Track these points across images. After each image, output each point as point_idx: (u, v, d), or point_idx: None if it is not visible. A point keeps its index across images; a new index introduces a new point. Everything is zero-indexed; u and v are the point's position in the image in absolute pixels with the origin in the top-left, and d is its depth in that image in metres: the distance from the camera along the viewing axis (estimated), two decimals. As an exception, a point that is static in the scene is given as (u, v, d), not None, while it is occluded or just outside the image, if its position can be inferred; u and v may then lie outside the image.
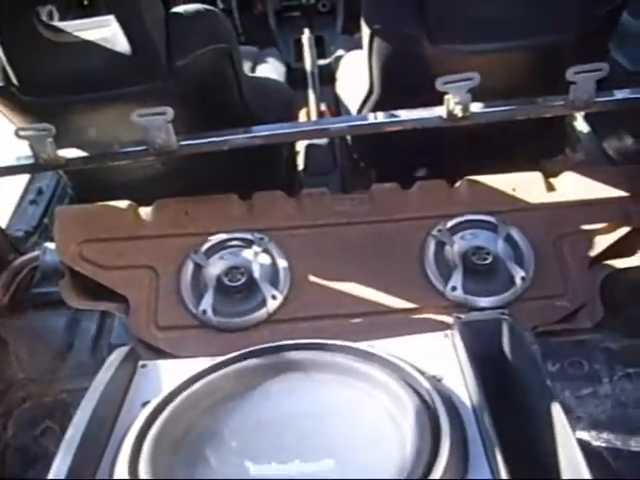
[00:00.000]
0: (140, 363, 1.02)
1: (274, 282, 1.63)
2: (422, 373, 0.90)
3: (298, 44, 2.86)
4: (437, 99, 1.47)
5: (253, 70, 2.42)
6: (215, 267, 1.65)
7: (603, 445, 1.37)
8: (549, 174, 1.78)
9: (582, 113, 2.26)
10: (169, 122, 1.44)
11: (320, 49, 2.85)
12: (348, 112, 2.08)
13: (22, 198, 2.34)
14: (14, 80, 1.53)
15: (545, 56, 1.64)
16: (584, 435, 1.39)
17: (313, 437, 0.84)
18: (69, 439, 0.81)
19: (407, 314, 1.59)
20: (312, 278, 1.64)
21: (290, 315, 1.60)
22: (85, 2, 1.82)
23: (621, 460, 1.35)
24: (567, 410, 1.03)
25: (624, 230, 1.64)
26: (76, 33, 1.50)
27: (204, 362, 0.96)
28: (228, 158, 1.61)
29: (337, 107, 2.33)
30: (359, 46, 1.88)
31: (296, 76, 2.63)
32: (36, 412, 1.56)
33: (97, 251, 1.67)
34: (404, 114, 1.57)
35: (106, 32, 1.50)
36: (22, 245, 2.10)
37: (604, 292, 1.60)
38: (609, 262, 1.63)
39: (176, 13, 1.60)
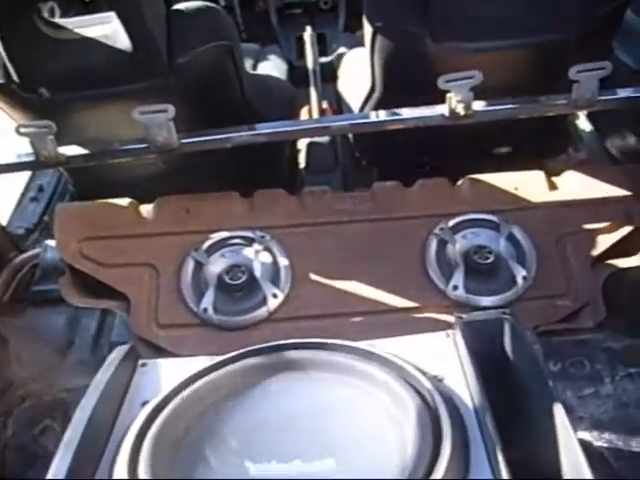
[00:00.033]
0: (140, 362, 1.01)
1: (275, 280, 1.63)
2: (423, 373, 0.89)
3: (300, 41, 2.85)
4: (439, 97, 1.47)
5: (255, 68, 2.42)
6: (216, 265, 1.65)
7: (605, 445, 1.37)
8: (551, 173, 1.78)
9: (585, 112, 2.25)
10: (170, 120, 1.43)
11: (322, 47, 2.84)
12: (350, 110, 2.08)
13: (23, 195, 2.34)
14: (15, 77, 1.53)
15: (548, 54, 1.63)
16: (586, 435, 1.38)
17: (313, 437, 0.84)
18: (68, 439, 0.81)
19: (408, 313, 1.58)
20: (313, 277, 1.64)
21: (291, 314, 1.59)
22: (86, -1, 1.82)
23: (622, 460, 1.34)
24: (569, 410, 1.02)
25: (627, 229, 1.64)
26: (77, 30, 1.50)
27: (204, 361, 0.95)
28: (229, 156, 1.61)
29: (339, 105, 2.33)
30: (361, 44, 1.88)
31: (298, 74, 2.62)
32: (36, 411, 1.56)
33: (98, 249, 1.66)
34: (406, 112, 1.57)
35: (107, 29, 1.50)
36: (23, 242, 2.10)
37: (606, 292, 1.59)
38: (612, 261, 1.63)
39: (177, 10, 1.59)
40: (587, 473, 0.74)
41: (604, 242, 1.64)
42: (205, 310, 1.59)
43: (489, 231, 1.67)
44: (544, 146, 2.03)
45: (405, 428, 0.81)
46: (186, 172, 1.80)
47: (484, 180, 1.75)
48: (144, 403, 0.91)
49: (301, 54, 2.80)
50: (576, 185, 1.74)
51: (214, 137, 1.56)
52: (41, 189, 2.36)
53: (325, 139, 2.39)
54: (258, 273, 1.63)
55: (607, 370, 1.52)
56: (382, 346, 0.95)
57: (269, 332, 1.57)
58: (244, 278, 1.60)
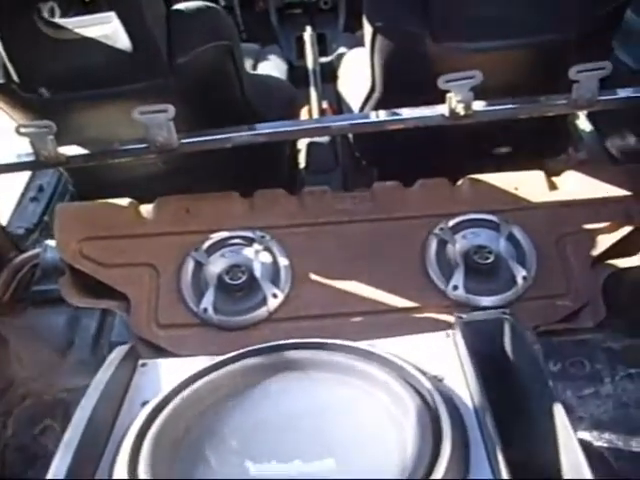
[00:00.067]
0: (140, 362, 1.01)
1: (275, 280, 1.63)
2: (423, 373, 0.89)
3: (300, 41, 2.85)
4: (439, 97, 1.46)
5: (255, 68, 2.42)
6: (216, 265, 1.64)
7: (605, 446, 1.36)
8: (551, 173, 1.78)
9: (585, 112, 2.25)
10: (170, 120, 1.43)
11: (322, 47, 2.84)
12: (350, 110, 2.08)
13: (23, 195, 2.34)
14: (15, 77, 1.53)
15: (548, 54, 1.63)
16: (585, 435, 1.38)
17: (313, 437, 0.84)
18: (68, 439, 0.81)
19: (408, 313, 1.58)
20: (313, 277, 1.64)
21: (291, 314, 1.59)
22: (86, -1, 1.82)
23: (622, 461, 1.34)
24: (569, 410, 1.02)
25: (627, 229, 1.64)
26: (77, 30, 1.50)
27: (204, 361, 0.95)
28: (229, 156, 1.61)
29: (339, 105, 2.33)
30: (361, 44, 1.88)
31: (298, 74, 2.62)
32: (36, 410, 1.56)
33: (98, 249, 1.66)
34: (406, 112, 1.57)
35: (107, 29, 1.50)
36: (23, 242, 2.10)
37: (606, 292, 1.59)
38: (612, 262, 1.63)
39: (177, 10, 1.59)
40: (587, 473, 0.74)
41: (604, 242, 1.64)
42: (205, 310, 1.59)
43: (489, 231, 1.66)
44: (544, 146, 2.03)
45: (405, 428, 0.81)
46: (186, 172, 1.80)
47: (484, 180, 1.75)
48: (144, 403, 0.91)
49: (301, 54, 2.80)
50: (576, 185, 1.74)
51: (214, 137, 1.56)
52: (41, 189, 2.36)
53: (325, 139, 2.39)
54: (258, 273, 1.63)
55: (607, 370, 1.52)
56: (382, 346, 0.95)
57: (269, 332, 1.57)
58: (244, 278, 1.60)
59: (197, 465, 0.81)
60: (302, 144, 2.39)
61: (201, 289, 1.62)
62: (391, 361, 0.91)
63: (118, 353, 0.99)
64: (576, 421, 1.41)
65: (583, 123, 2.42)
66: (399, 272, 1.63)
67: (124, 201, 1.74)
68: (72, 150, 1.54)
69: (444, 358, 0.95)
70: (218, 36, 1.62)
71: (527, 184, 1.73)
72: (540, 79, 1.66)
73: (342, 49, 2.55)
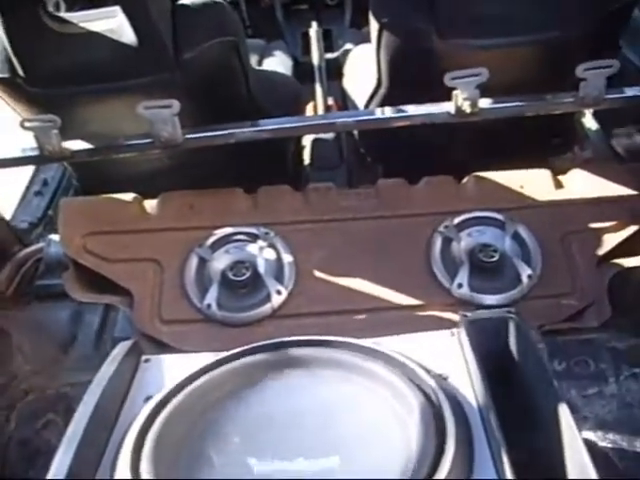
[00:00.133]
0: (143, 358, 1.01)
1: (279, 277, 1.62)
2: (428, 371, 0.89)
3: (305, 37, 2.85)
4: (445, 94, 1.46)
5: (260, 63, 2.41)
6: (220, 261, 1.64)
7: (609, 446, 1.36)
8: (557, 171, 1.77)
9: (591, 110, 2.24)
10: (175, 115, 1.43)
11: (328, 43, 2.83)
12: (355, 107, 2.07)
13: (27, 189, 2.34)
14: (20, 71, 1.53)
15: (555, 52, 1.63)
16: (590, 435, 1.38)
17: (317, 434, 0.83)
18: (70, 435, 0.81)
19: (412, 311, 1.58)
20: (317, 273, 1.63)
21: (295, 310, 1.59)
22: (92, -7, 1.82)
23: (627, 461, 1.34)
24: (573, 410, 1.02)
25: (633, 228, 1.63)
26: (82, 24, 1.50)
27: (207, 357, 0.95)
28: (234, 152, 1.60)
29: (344, 101, 2.32)
30: (367, 40, 1.87)
31: (303, 70, 2.62)
32: (39, 405, 1.56)
33: (101, 244, 1.66)
34: (412, 109, 1.56)
35: (112, 23, 1.50)
36: (26, 237, 2.09)
37: (612, 291, 1.58)
38: (617, 261, 1.62)
39: (183, 5, 1.59)
40: (592, 473, 0.74)
41: (610, 241, 1.63)
42: (209, 306, 1.58)
43: (494, 229, 1.66)
44: (550, 144, 2.02)
45: (409, 426, 0.80)
46: (190, 167, 1.80)
47: (489, 178, 1.74)
48: (147, 399, 0.91)
49: (307, 50, 2.79)
50: (582, 184, 1.73)
51: (219, 133, 1.56)
52: (45, 183, 2.36)
53: (330, 136, 2.38)
54: (262, 269, 1.63)
55: (612, 370, 1.52)
56: (386, 344, 0.95)
57: (273, 329, 1.56)
58: (248, 274, 1.60)
59: (200, 463, 0.80)
60: (307, 140, 2.38)
61: (205, 285, 1.62)
62: (395, 359, 0.90)
63: (121, 348, 0.98)
64: (581, 421, 1.40)
65: (589, 121, 2.41)
66: (404, 269, 1.63)
67: (128, 196, 1.74)
68: (76, 145, 1.54)
69: (449, 356, 0.95)
70: (224, 31, 1.61)
71: (533, 182, 1.73)
72: (546, 77, 1.65)
73: (348, 45, 2.55)
